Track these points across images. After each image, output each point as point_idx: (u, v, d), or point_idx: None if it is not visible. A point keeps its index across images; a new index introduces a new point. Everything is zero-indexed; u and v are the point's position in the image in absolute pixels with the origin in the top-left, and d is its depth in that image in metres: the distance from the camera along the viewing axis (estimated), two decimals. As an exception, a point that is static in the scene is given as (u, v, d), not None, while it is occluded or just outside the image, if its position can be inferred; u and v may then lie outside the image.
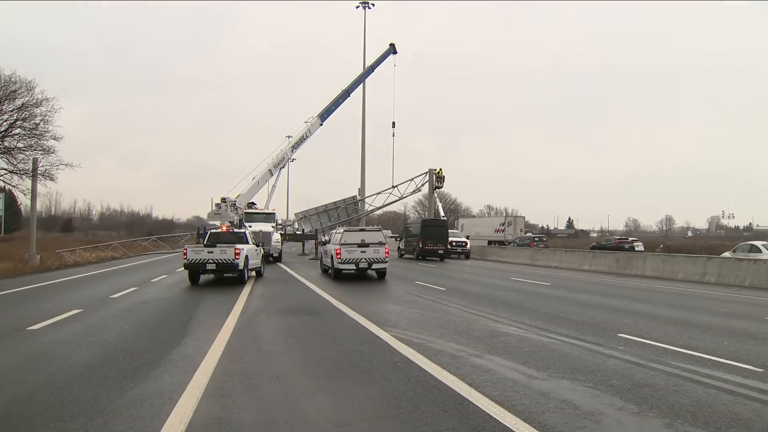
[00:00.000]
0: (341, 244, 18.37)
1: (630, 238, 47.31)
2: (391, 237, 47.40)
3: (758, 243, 25.48)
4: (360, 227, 27.62)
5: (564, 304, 12.85)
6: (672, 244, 51.97)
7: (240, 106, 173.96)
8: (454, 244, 36.26)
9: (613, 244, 40.68)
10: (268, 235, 28.50)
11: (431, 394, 5.50)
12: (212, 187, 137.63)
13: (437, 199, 45.15)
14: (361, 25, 44.03)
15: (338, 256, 18.05)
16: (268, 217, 33.11)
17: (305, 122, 35.18)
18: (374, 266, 18.43)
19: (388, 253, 18.95)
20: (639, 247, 40.28)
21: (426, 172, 41.43)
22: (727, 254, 25.17)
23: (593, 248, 38.32)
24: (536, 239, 46.50)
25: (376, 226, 24.03)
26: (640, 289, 17.18)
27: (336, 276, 18.56)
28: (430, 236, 33.30)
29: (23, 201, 44.85)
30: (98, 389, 5.62)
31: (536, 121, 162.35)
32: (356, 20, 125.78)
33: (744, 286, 17.81)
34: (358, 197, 42.64)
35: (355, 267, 18.23)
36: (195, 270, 16.95)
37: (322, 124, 36.03)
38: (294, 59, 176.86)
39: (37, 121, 26.58)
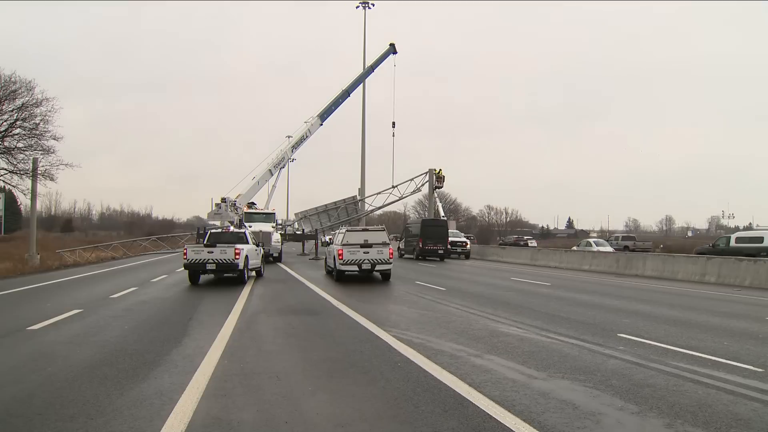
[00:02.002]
0: (343, 245, 18.05)
1: (525, 237, 64.11)
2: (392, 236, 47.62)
3: (591, 240, 40.38)
4: (363, 227, 27.43)
5: (564, 304, 12.85)
6: (672, 244, 53.07)
7: (240, 106, 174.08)
8: (454, 244, 36.29)
9: (511, 242, 56.51)
10: (268, 235, 28.49)
11: (431, 394, 5.50)
12: (212, 187, 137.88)
13: (437, 199, 45.21)
14: (361, 25, 44.16)
15: (340, 257, 17.68)
16: (268, 217, 33.10)
17: (305, 122, 35.26)
18: (378, 267, 17.86)
19: (392, 253, 18.54)
20: (532, 243, 56.14)
21: (426, 172, 41.47)
22: (574, 248, 35.88)
23: (500, 245, 51.08)
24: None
25: (380, 226, 23.75)
26: (640, 289, 17.18)
27: (339, 278, 18.25)
28: (430, 236, 33.29)
29: (23, 201, 45.03)
30: (98, 389, 5.61)
31: (536, 121, 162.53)
32: (356, 20, 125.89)
33: (744, 286, 17.82)
34: (358, 197, 42.65)
35: (357, 268, 17.76)
36: (195, 270, 16.93)
37: (322, 124, 36.09)
38: (294, 59, 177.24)
39: (37, 121, 26.55)
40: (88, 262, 29.50)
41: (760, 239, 26.17)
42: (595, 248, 33.35)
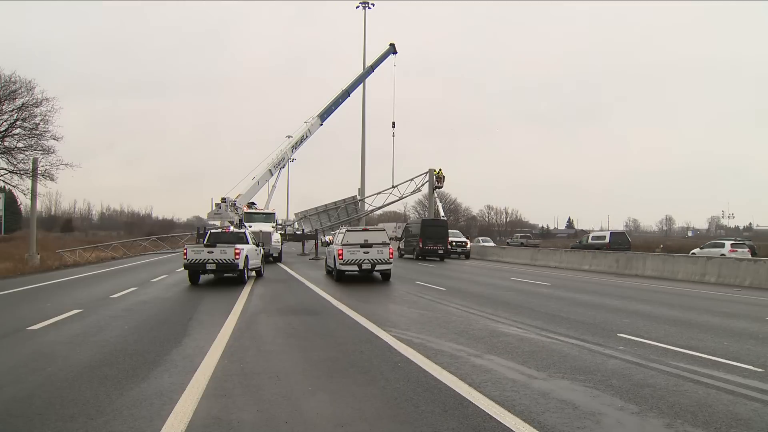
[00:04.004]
0: (343, 245, 18.05)
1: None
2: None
3: (481, 238, 51.59)
4: (363, 227, 27.42)
5: (564, 304, 12.85)
6: (672, 244, 53.02)
7: (240, 106, 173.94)
8: (454, 244, 36.29)
9: None
10: (268, 235, 28.49)
11: (431, 394, 5.50)
12: (212, 187, 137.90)
13: (437, 199, 45.25)
14: (361, 25, 44.20)
15: (340, 257, 17.68)
16: (268, 217, 33.12)
17: (305, 122, 35.30)
18: (378, 267, 17.84)
19: (392, 253, 18.53)
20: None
21: (426, 172, 41.48)
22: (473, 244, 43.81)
23: None
24: None
25: (380, 226, 23.79)
26: (640, 289, 17.18)
27: (339, 278, 18.24)
28: (430, 236, 33.29)
29: (23, 201, 44.98)
30: (98, 389, 5.61)
31: (536, 122, 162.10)
32: (356, 20, 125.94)
33: (744, 286, 17.82)
34: (358, 197, 42.67)
35: (357, 268, 17.74)
36: (195, 270, 16.93)
37: (322, 124, 36.12)
38: (294, 59, 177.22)
39: (37, 121, 26.53)
40: (88, 262, 29.51)
41: (604, 237, 37.29)
42: (481, 243, 44.87)
